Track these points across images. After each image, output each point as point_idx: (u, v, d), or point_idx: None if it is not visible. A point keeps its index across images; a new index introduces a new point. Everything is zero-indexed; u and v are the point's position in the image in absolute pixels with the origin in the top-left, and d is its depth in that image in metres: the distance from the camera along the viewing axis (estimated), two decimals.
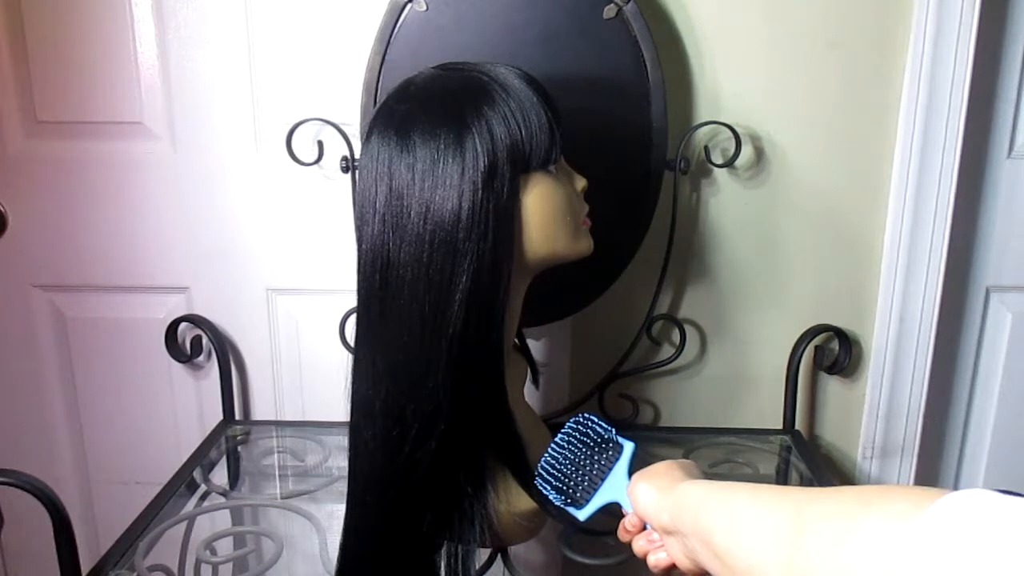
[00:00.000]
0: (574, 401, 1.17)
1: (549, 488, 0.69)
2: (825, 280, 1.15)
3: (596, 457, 0.68)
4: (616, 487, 0.66)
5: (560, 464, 0.70)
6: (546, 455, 0.71)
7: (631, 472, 0.66)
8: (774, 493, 0.51)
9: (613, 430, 0.69)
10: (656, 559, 0.62)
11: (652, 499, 0.61)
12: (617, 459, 0.67)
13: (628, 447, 0.68)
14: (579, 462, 0.69)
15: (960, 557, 0.36)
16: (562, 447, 0.70)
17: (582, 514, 0.67)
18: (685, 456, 1.10)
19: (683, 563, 0.59)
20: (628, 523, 0.64)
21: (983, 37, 1.05)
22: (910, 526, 0.39)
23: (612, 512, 0.67)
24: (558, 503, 0.68)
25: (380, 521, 0.77)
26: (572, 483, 0.68)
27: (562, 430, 0.71)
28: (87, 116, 1.11)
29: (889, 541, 0.39)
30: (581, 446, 0.69)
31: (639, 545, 0.63)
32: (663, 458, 0.66)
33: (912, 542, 0.38)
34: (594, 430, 0.69)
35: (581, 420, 0.70)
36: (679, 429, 1.18)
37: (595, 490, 0.67)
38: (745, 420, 1.19)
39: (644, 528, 0.63)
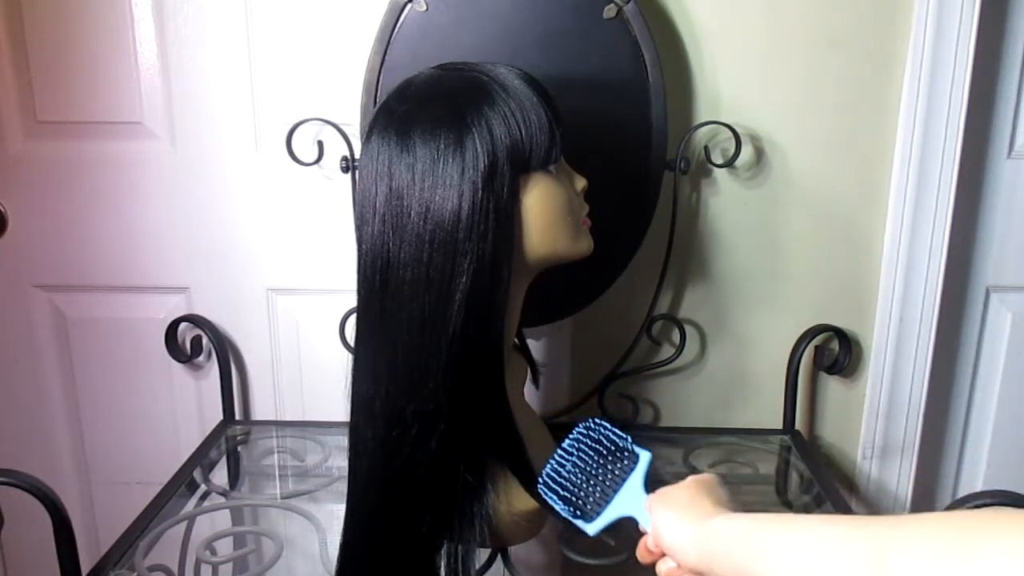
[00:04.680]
0: (574, 401, 1.17)
1: (555, 498, 0.64)
2: (825, 280, 1.15)
3: (609, 467, 0.63)
4: (631, 500, 0.61)
5: (567, 472, 0.64)
6: (551, 461, 0.65)
7: (648, 483, 0.61)
8: (839, 525, 0.43)
9: (628, 438, 0.64)
10: None
11: (676, 532, 0.54)
12: (632, 469, 0.62)
13: (644, 457, 0.62)
14: (589, 471, 0.63)
15: None
16: (570, 454, 0.65)
17: (591, 527, 0.62)
18: (685, 457, 1.10)
19: None
20: (651, 543, 0.58)
21: (983, 37, 1.05)
22: None
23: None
24: (565, 514, 0.63)
25: (380, 521, 0.77)
26: (581, 493, 0.63)
27: (569, 435, 0.66)
28: (87, 116, 1.11)
29: None
30: (592, 453, 0.64)
31: (665, 569, 0.57)
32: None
33: None
34: (607, 437, 0.64)
35: (592, 426, 0.65)
36: (679, 429, 1.18)
37: (607, 502, 0.62)
38: (745, 420, 1.19)
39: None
